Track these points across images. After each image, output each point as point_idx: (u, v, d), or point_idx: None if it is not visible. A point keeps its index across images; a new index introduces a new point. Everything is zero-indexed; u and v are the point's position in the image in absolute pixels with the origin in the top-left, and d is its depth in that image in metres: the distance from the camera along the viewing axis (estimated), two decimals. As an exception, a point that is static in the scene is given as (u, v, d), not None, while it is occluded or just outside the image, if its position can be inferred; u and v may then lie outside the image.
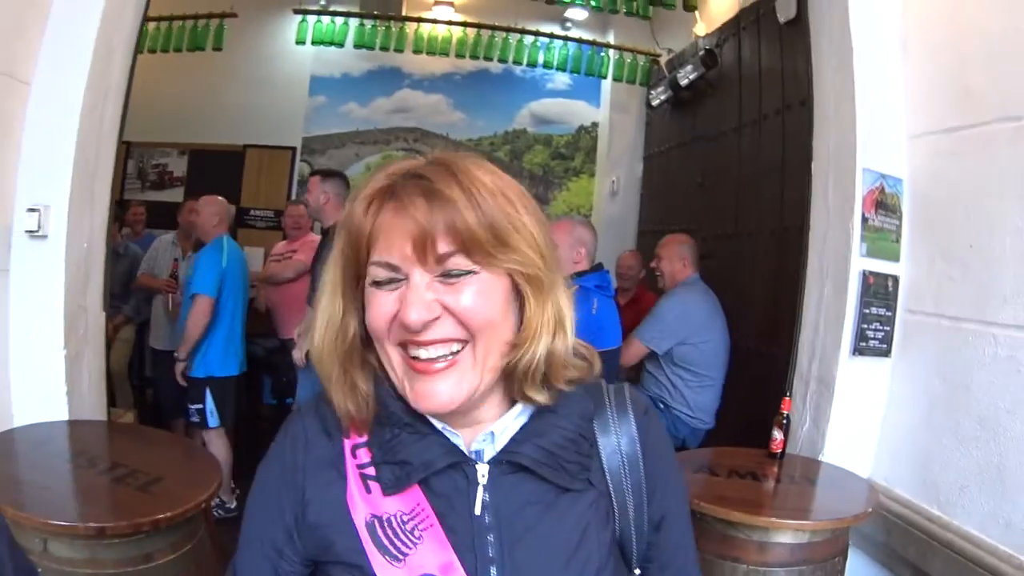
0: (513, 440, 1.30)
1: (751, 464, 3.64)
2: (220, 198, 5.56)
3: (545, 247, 1.28)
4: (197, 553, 2.77)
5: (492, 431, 1.30)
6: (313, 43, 8.17)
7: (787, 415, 3.69)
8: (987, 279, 3.30)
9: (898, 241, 3.74)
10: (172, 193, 8.79)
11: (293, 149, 9.28)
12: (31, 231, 3.32)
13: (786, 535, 3.00)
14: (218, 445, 5.38)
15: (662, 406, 4.83)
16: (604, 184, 9.01)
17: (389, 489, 1.27)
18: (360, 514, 1.29)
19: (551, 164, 9.44)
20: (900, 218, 3.72)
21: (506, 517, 1.29)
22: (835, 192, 3.87)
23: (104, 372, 3.86)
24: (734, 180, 5.78)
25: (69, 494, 2.76)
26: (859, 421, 3.81)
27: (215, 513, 5.04)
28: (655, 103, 7.50)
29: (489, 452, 1.29)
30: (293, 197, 8.78)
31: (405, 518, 1.30)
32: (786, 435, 3.70)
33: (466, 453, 1.29)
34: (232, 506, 5.50)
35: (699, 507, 3.09)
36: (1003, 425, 3.17)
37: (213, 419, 5.39)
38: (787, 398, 3.79)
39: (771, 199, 4.71)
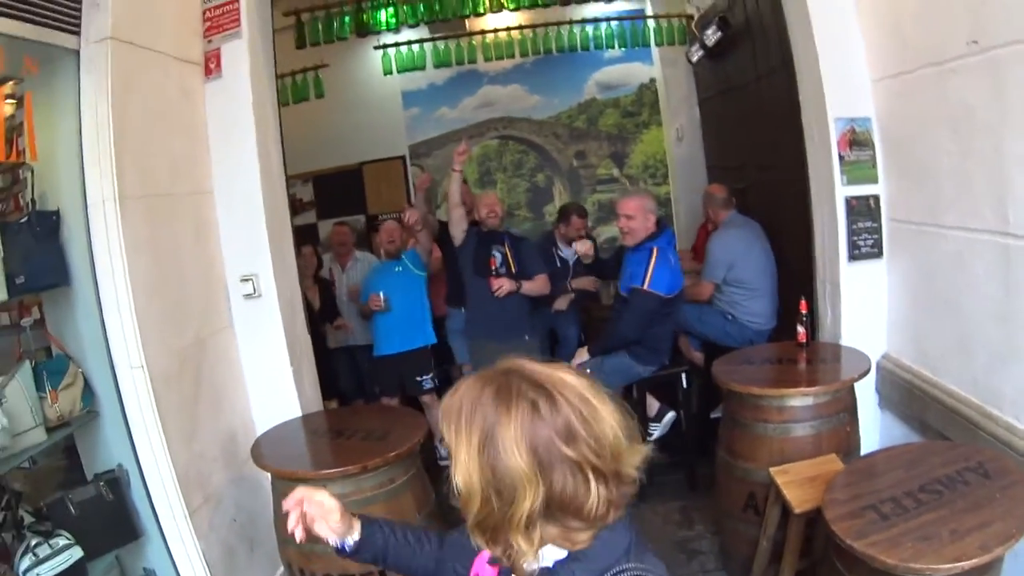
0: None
1: (782, 353, 4.77)
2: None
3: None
4: (417, 478, 4.14)
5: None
6: (398, 72, 9.02)
7: (804, 314, 4.66)
8: (935, 191, 4.04)
9: (875, 167, 4.57)
10: (306, 216, 9.78)
11: (402, 157, 10.16)
12: (248, 294, 4.65)
13: (796, 399, 4.04)
14: (435, 404, 6.52)
15: (730, 316, 5.85)
16: (670, 132, 9.56)
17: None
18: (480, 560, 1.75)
19: (623, 122, 10.03)
20: (873, 149, 4.54)
21: None
22: (818, 137, 4.75)
23: (316, 377, 5.23)
24: (766, 122, 6.18)
25: (333, 452, 4.18)
26: (868, 310, 4.70)
27: (438, 463, 6.31)
28: (693, 59, 8.10)
29: None
30: (411, 200, 9.51)
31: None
32: (807, 328, 4.67)
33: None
34: (445, 454, 6.74)
35: (736, 388, 4.24)
36: (960, 304, 3.90)
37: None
38: (803, 300, 4.73)
39: (793, 138, 5.17)
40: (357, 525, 2.04)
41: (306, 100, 8.82)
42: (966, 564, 2.59)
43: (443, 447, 6.58)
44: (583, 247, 6.37)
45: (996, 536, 2.68)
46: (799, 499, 3.52)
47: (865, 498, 3.07)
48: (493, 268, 5.96)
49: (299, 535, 2.00)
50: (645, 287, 5.23)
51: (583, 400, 1.50)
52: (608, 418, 1.50)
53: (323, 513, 2.00)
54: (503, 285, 5.87)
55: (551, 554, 1.58)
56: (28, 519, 3.51)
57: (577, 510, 1.49)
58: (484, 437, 1.48)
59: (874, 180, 4.62)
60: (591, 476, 1.47)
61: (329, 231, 8.17)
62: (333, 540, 2.02)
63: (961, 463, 3.22)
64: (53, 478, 3.97)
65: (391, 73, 9.16)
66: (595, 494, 1.47)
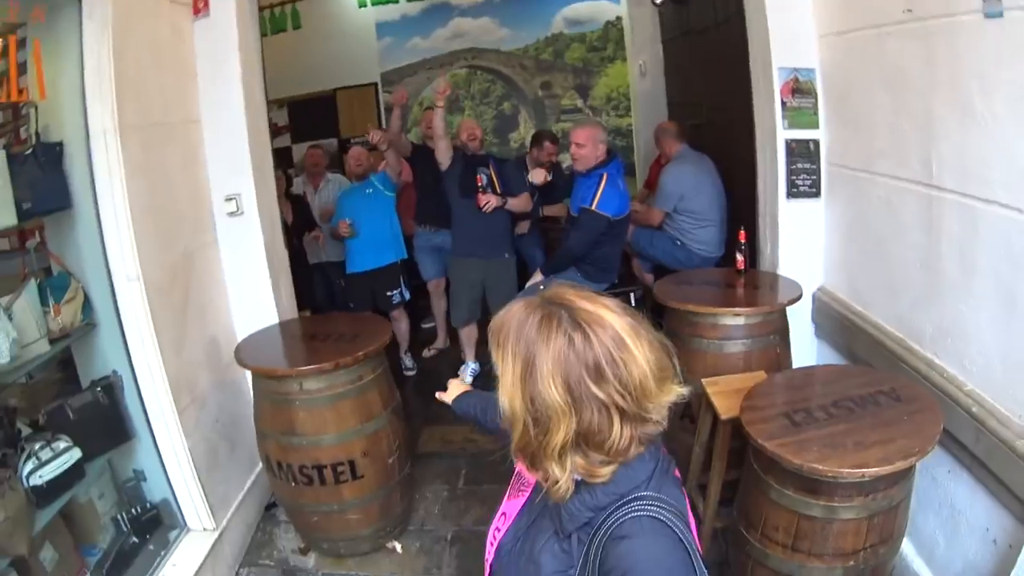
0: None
1: (721, 278, 5.21)
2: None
3: None
4: (383, 377, 4.60)
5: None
6: (372, 4, 9.46)
7: (743, 243, 5.03)
8: (869, 140, 4.28)
9: (816, 114, 4.84)
10: (281, 140, 9.97)
11: (375, 84, 10.50)
12: (231, 212, 5.01)
13: (728, 319, 4.42)
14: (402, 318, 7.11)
15: (679, 243, 6.25)
16: (634, 67, 9.85)
17: None
18: None
19: (588, 56, 10.34)
20: (816, 98, 4.81)
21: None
22: (763, 84, 5.02)
23: (292, 289, 5.64)
24: (721, 65, 6.46)
25: (307, 352, 4.62)
26: (805, 245, 5.02)
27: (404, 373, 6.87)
28: (658, 1, 8.30)
29: None
30: (383, 124, 9.86)
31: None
32: (745, 257, 5.05)
33: None
34: (410, 364, 7.40)
35: (675, 305, 4.59)
36: (888, 247, 4.16)
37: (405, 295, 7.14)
38: (742, 230, 5.09)
39: (743, 83, 5.39)
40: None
41: (284, 31, 9.31)
42: (866, 471, 2.88)
43: (407, 359, 7.09)
44: (538, 176, 6.69)
45: (898, 452, 2.94)
46: (725, 407, 3.79)
47: (780, 407, 3.39)
48: (480, 186, 6.28)
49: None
50: (593, 207, 5.57)
51: (618, 341, 1.52)
52: (641, 359, 1.53)
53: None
54: (490, 200, 6.20)
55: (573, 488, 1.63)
56: (26, 431, 3.79)
57: (600, 445, 1.55)
58: (525, 365, 1.53)
59: (815, 126, 4.89)
60: (615, 415, 1.53)
61: (303, 154, 8.41)
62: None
63: (876, 386, 3.50)
64: (48, 392, 4.18)
65: (365, 5, 9.63)
66: (618, 432, 1.53)
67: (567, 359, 1.50)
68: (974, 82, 3.21)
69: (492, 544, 1.87)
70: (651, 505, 1.57)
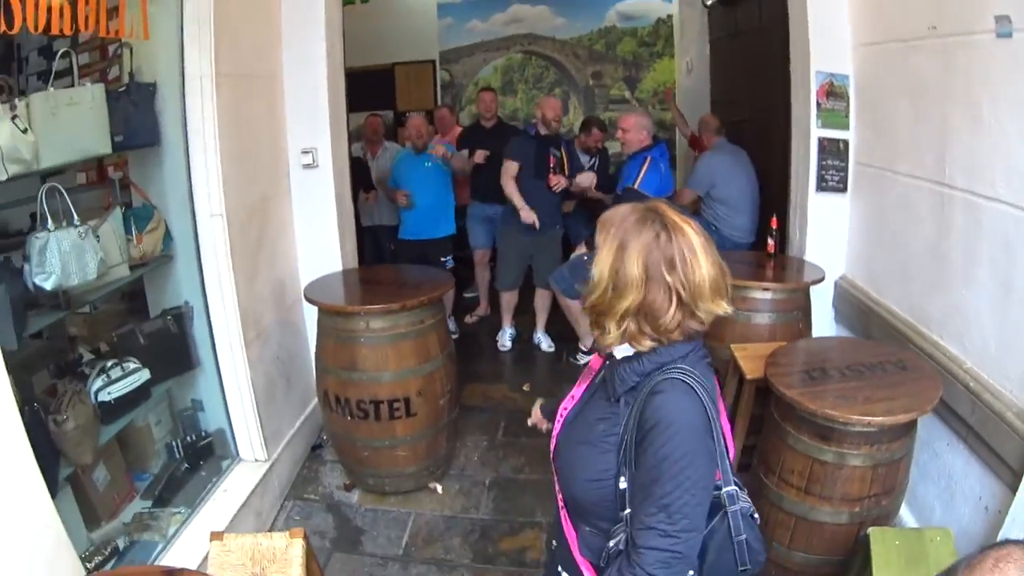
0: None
1: (753, 259, 5.63)
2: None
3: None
4: (442, 323, 5.06)
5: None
6: None
7: (774, 229, 5.42)
8: (892, 142, 4.67)
9: (847, 116, 5.21)
10: None
11: (433, 61, 10.90)
12: (307, 164, 5.40)
13: (757, 292, 4.87)
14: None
15: (714, 228, 6.51)
16: (681, 64, 10.20)
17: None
18: None
19: (638, 51, 10.73)
20: (848, 102, 5.17)
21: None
22: (801, 86, 5.38)
23: (355, 241, 6.02)
24: (764, 66, 6.67)
25: (372, 295, 5.01)
26: (830, 235, 5.40)
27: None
28: (708, 2, 8.51)
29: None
30: (438, 101, 10.37)
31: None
32: (776, 242, 5.44)
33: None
34: (454, 328, 7.51)
35: None
36: (903, 239, 4.52)
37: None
38: (774, 218, 5.48)
39: (783, 84, 5.76)
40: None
41: (352, 4, 9.45)
42: (872, 420, 3.31)
43: (451, 323, 7.28)
44: (586, 180, 7.06)
45: (901, 407, 3.37)
46: (751, 369, 4.22)
47: (800, 365, 3.84)
48: (552, 166, 6.69)
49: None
50: (636, 186, 5.97)
51: (691, 247, 1.89)
52: (703, 268, 1.90)
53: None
54: (560, 181, 6.62)
55: (621, 351, 2.03)
56: (88, 356, 4.10)
57: (655, 320, 1.91)
58: (619, 245, 1.91)
59: (846, 127, 5.25)
60: (674, 300, 1.89)
61: (362, 122, 8.69)
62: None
63: (885, 357, 3.91)
64: (110, 322, 4.45)
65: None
66: (671, 314, 1.90)
67: (651, 247, 1.89)
68: (984, 93, 3.58)
69: (560, 417, 2.24)
70: (684, 373, 1.93)
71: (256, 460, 4.78)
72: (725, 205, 6.53)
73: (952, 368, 3.84)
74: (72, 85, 3.55)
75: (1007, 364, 3.49)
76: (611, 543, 2.02)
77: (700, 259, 1.90)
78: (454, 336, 7.24)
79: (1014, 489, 3.20)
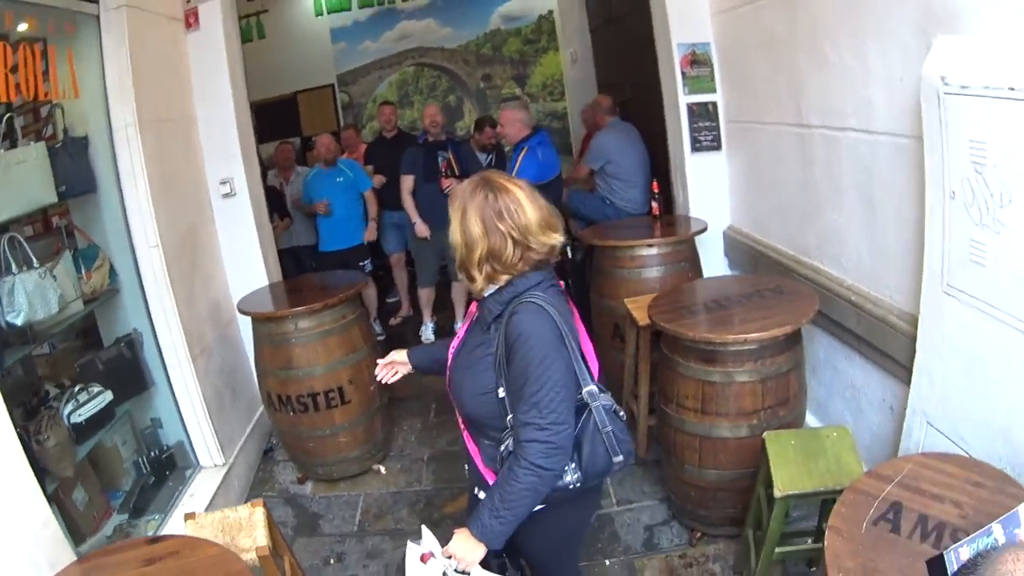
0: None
1: (641, 223, 5.98)
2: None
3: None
4: (363, 317, 5.53)
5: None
6: (328, 12, 10.38)
7: (656, 192, 5.87)
8: (754, 96, 5.12)
9: (713, 80, 5.72)
10: None
11: (332, 85, 11.27)
12: (226, 193, 5.79)
13: (643, 250, 5.24)
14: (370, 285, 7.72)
15: (608, 201, 6.87)
16: (566, 55, 10.61)
17: None
18: None
19: (524, 49, 11.20)
20: (712, 67, 5.71)
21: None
22: (666, 59, 5.86)
23: (277, 258, 6.45)
24: (637, 47, 6.92)
25: (297, 301, 5.22)
26: (712, 192, 5.92)
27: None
28: None
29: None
30: (341, 122, 10.73)
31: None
32: (660, 205, 5.87)
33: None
34: (379, 330, 8.04)
35: (598, 243, 5.44)
36: (777, 182, 4.93)
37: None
38: (655, 182, 5.94)
39: (653, 60, 6.17)
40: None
41: (251, 41, 9.96)
42: (747, 337, 3.63)
43: (376, 325, 7.77)
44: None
45: (775, 324, 3.68)
46: (642, 317, 4.42)
47: (680, 302, 4.22)
48: (443, 171, 7.10)
49: (389, 379, 3.18)
50: (513, 175, 6.33)
51: (516, 200, 2.42)
52: (528, 213, 2.42)
53: (400, 359, 3.15)
54: (450, 183, 6.90)
55: (488, 290, 2.50)
56: (53, 391, 4.31)
57: (500, 260, 2.42)
58: (462, 212, 2.44)
59: (712, 91, 5.75)
60: (510, 240, 2.41)
61: (272, 151, 8.91)
62: (406, 370, 3.15)
63: (763, 285, 4.26)
64: (69, 358, 4.61)
65: (322, 14, 10.54)
66: (510, 252, 2.41)
67: (483, 207, 2.42)
68: (826, 36, 3.98)
69: (451, 354, 2.73)
70: (536, 297, 2.43)
71: (215, 465, 5.15)
72: (618, 179, 6.84)
73: (834, 288, 4.24)
74: (15, 146, 3.90)
75: (882, 274, 3.86)
76: (502, 447, 2.49)
77: (525, 207, 2.42)
78: (380, 338, 7.70)
79: (909, 384, 3.46)
